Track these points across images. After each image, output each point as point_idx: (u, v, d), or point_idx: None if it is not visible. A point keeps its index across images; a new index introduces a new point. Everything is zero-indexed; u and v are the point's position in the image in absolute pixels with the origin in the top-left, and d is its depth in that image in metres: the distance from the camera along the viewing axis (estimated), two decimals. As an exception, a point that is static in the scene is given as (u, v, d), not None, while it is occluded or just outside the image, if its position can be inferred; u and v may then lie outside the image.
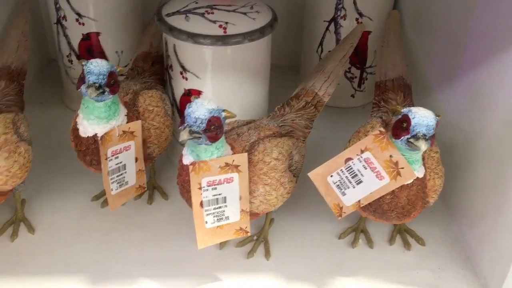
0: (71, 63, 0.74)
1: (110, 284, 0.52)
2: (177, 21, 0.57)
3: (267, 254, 0.55)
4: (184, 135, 0.41)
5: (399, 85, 0.63)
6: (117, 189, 0.53)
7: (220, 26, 0.56)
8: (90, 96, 0.46)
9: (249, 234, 0.49)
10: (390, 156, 0.44)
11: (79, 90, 0.48)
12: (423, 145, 0.41)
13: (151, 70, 0.66)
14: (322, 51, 0.79)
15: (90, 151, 0.51)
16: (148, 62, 0.67)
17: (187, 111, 0.41)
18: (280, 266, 0.55)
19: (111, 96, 0.48)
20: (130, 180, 0.54)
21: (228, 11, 0.57)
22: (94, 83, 0.46)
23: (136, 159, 0.54)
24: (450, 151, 0.60)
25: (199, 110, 0.41)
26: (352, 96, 0.83)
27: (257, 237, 0.57)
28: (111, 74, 0.47)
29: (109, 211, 0.60)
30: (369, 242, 0.57)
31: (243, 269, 0.54)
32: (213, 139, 0.42)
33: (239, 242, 0.56)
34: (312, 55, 0.81)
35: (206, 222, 0.47)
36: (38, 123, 0.75)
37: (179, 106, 0.63)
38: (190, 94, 0.60)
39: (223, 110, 0.43)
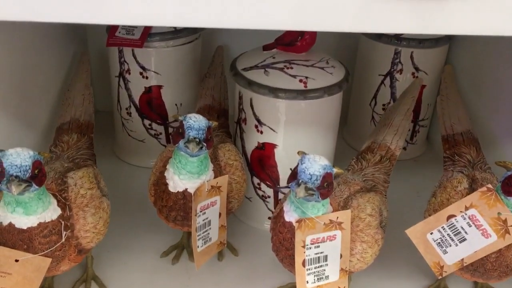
0: (130, 116, 0.74)
1: None
2: (256, 76, 0.57)
3: (352, 314, 0.53)
4: (300, 192, 0.40)
5: (469, 139, 0.63)
6: (202, 245, 0.52)
7: (301, 80, 0.56)
8: (192, 152, 0.46)
9: (347, 294, 0.48)
10: (498, 213, 0.44)
11: (175, 145, 0.48)
12: (542, 203, 0.41)
13: (218, 123, 0.66)
14: (375, 104, 0.80)
15: (178, 206, 0.50)
16: (214, 115, 0.67)
17: (301, 167, 0.41)
18: (366, 326, 0.53)
19: (206, 151, 0.48)
20: (213, 236, 0.53)
21: (307, 66, 0.58)
22: (195, 138, 0.46)
23: (220, 215, 0.53)
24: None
25: (313, 167, 0.40)
26: (404, 149, 0.83)
27: (338, 295, 0.55)
28: (209, 129, 0.47)
29: (181, 268, 0.59)
30: (454, 301, 0.55)
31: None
32: (325, 196, 0.42)
33: (320, 301, 0.54)
34: (364, 108, 0.82)
35: (307, 282, 0.45)
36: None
37: (250, 160, 0.62)
38: (264, 148, 0.60)
39: (333, 166, 0.42)
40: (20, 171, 0.39)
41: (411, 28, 0.35)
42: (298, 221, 0.43)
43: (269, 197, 0.63)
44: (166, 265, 0.59)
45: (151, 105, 0.73)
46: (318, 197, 0.41)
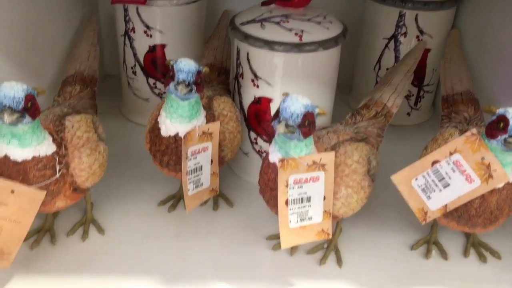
0: (135, 75, 0.76)
1: (182, 283, 0.51)
2: (253, 29, 0.58)
3: (339, 261, 0.54)
4: (280, 129, 0.41)
5: (468, 98, 0.63)
6: (193, 190, 0.53)
7: (296, 34, 0.57)
8: (181, 93, 0.47)
9: (330, 237, 0.49)
10: (482, 158, 0.44)
11: (166, 88, 0.49)
12: (523, 144, 0.41)
13: (217, 80, 0.67)
14: (379, 68, 0.80)
15: (170, 150, 0.52)
16: (214, 72, 0.69)
17: (283, 105, 0.42)
18: (353, 274, 0.53)
19: (196, 95, 0.49)
20: (205, 182, 0.54)
21: (303, 20, 0.59)
22: (184, 80, 0.47)
23: (212, 161, 0.54)
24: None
25: (294, 105, 0.41)
26: (408, 114, 0.83)
27: (328, 245, 0.56)
28: (198, 73, 0.48)
29: (177, 216, 0.60)
30: (443, 254, 0.56)
31: (315, 276, 0.53)
32: (306, 134, 0.42)
33: (309, 250, 0.56)
34: (368, 73, 0.82)
35: (290, 222, 0.46)
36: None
37: (247, 115, 0.63)
38: (260, 102, 0.61)
39: (316, 107, 0.43)
40: (13, 102, 0.41)
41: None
42: (281, 160, 0.44)
43: (265, 152, 0.64)
44: (163, 213, 0.61)
45: (155, 64, 0.74)
46: (299, 135, 0.42)
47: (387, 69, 0.79)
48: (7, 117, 0.40)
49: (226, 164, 0.70)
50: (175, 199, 0.62)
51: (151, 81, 0.76)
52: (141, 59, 0.74)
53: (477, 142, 0.44)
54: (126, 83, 0.78)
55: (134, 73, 0.76)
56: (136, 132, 0.77)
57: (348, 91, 0.91)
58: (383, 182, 0.61)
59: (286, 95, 0.43)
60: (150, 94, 0.77)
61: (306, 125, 0.42)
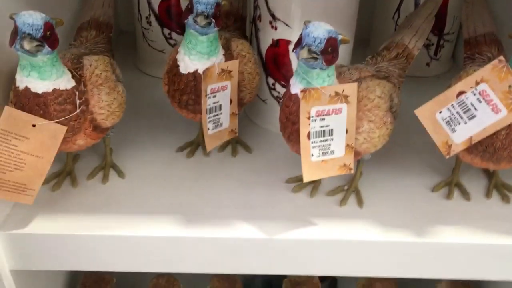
0: (150, 25, 0.75)
1: (202, 223, 0.51)
2: (271, -32, 0.57)
3: (360, 202, 0.54)
4: (303, 54, 0.40)
5: (491, 39, 0.61)
6: (213, 129, 0.53)
7: (315, -29, 0.55)
8: (200, 24, 0.46)
9: (352, 172, 0.48)
10: (510, 86, 0.43)
11: (185, 21, 0.48)
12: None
13: (234, 26, 0.66)
14: (399, 16, 0.78)
15: (189, 89, 0.51)
16: (231, 19, 0.67)
17: (306, 31, 0.41)
18: (374, 215, 0.53)
19: (215, 29, 0.48)
20: (224, 122, 0.54)
21: (322, -43, 0.57)
22: (203, 12, 0.46)
23: (231, 101, 0.53)
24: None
25: (317, 30, 0.40)
26: (427, 64, 0.81)
27: (348, 187, 0.55)
28: (217, 5, 0.47)
29: (195, 162, 0.60)
30: (465, 195, 0.55)
31: (336, 216, 0.53)
32: (329, 62, 0.42)
33: (329, 191, 0.55)
34: (387, 22, 0.80)
35: (312, 155, 0.46)
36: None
37: (265, 59, 0.62)
38: (278, 45, 0.60)
39: (339, 34, 0.42)
40: (32, 30, 0.41)
41: None
42: (303, 91, 0.43)
43: (283, 97, 0.63)
44: (182, 159, 0.61)
45: (170, 13, 0.73)
46: (322, 62, 0.41)
47: (406, 17, 0.77)
48: (26, 44, 0.40)
49: (244, 113, 0.69)
50: (193, 145, 0.62)
51: (166, 31, 0.75)
52: (156, 8, 0.73)
53: (504, 69, 0.42)
54: (140, 35, 0.78)
55: (149, 23, 0.75)
56: (152, 84, 0.77)
57: (366, 45, 0.89)
58: (402, 130, 0.60)
59: (308, 22, 0.42)
60: (165, 45, 0.76)
61: (330, 51, 0.41)
